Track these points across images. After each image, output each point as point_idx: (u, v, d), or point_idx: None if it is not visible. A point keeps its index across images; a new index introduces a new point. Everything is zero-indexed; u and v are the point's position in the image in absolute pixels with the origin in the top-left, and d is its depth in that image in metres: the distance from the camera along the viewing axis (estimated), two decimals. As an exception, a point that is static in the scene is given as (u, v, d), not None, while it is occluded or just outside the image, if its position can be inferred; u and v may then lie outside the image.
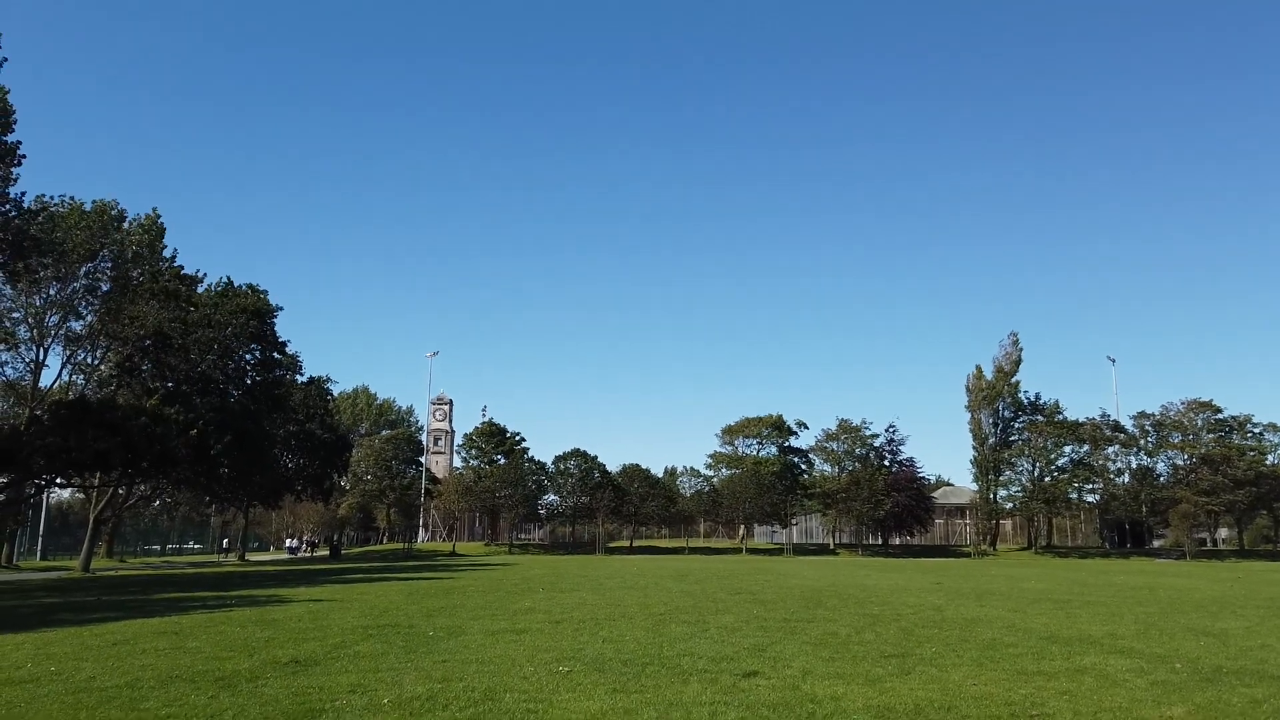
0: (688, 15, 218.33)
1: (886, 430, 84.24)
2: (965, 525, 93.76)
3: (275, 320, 54.69)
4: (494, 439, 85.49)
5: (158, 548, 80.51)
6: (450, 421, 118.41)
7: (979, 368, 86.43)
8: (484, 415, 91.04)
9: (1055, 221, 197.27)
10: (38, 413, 40.82)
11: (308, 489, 64.84)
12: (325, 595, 22.43)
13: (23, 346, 47.01)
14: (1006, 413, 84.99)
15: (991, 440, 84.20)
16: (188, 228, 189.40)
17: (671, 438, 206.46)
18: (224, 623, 15.46)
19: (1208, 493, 75.43)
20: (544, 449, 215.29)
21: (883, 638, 13.45)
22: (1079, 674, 10.22)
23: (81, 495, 61.47)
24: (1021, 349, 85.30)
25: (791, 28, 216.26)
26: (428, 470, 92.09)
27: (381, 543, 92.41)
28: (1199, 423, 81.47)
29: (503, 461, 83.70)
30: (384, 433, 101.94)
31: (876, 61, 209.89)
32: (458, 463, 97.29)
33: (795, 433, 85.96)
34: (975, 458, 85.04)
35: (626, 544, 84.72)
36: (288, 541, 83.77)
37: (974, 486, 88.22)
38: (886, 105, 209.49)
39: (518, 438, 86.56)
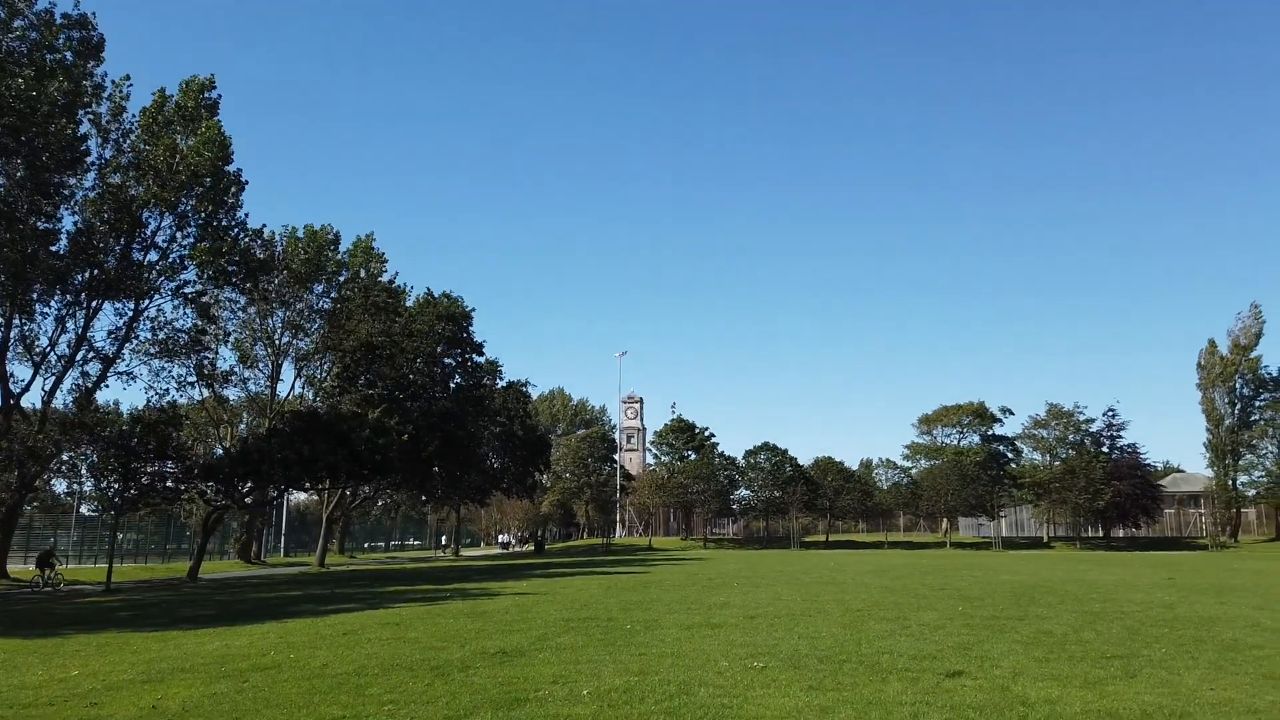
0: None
1: (1104, 414, 78.27)
2: (1200, 515, 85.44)
3: (471, 324, 57.78)
4: (684, 435, 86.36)
5: (382, 544, 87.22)
6: (641, 419, 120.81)
7: (1212, 342, 78.61)
8: (674, 412, 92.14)
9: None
10: (277, 425, 45.29)
11: (513, 487, 68.09)
12: (530, 589, 23.47)
13: (261, 363, 52.50)
14: (1245, 390, 76.79)
15: (1228, 421, 76.33)
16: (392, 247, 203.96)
17: (865, 429, 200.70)
18: (440, 614, 16.51)
19: None
20: (734, 443, 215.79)
21: (1104, 637, 12.50)
22: (1341, 682, 9.08)
23: (315, 498, 67.59)
24: (1264, 320, 76.81)
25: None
26: (621, 467, 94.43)
27: (581, 538, 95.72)
28: None
29: (693, 457, 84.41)
30: (579, 432, 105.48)
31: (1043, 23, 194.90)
32: (650, 459, 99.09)
33: (1000, 420, 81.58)
34: (1209, 441, 77.45)
35: (822, 538, 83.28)
36: (500, 537, 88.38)
37: (1209, 472, 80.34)
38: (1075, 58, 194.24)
39: (707, 433, 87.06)
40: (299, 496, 78.05)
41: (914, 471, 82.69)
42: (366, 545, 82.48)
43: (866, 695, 8.42)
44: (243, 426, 58.93)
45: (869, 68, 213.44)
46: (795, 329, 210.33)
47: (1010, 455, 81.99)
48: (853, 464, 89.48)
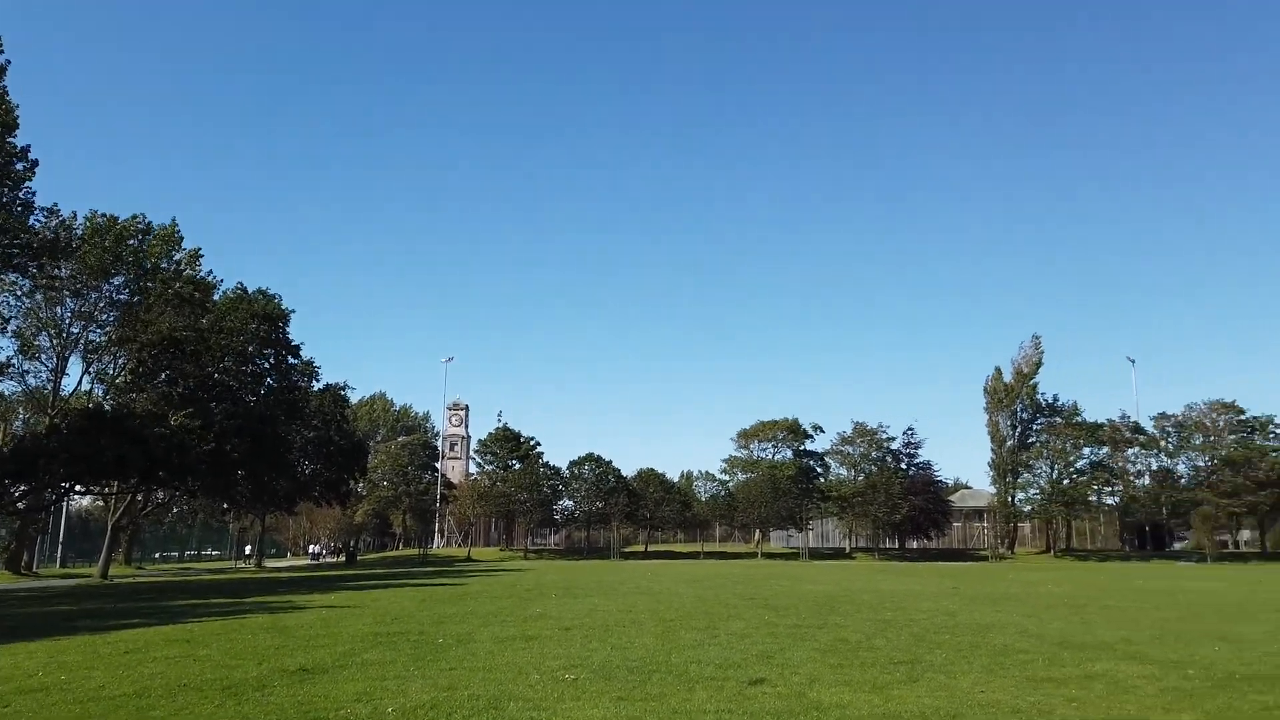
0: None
1: (904, 433, 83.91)
2: (983, 529, 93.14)
3: (288, 324, 55.03)
4: (509, 444, 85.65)
5: (176, 554, 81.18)
6: (466, 427, 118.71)
7: (998, 369, 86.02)
8: (500, 420, 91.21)
9: (1076, 221, 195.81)
10: (57, 421, 41.28)
11: (325, 494, 65.22)
12: (338, 602, 22.53)
13: (44, 355, 47.67)
14: (1025, 414, 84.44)
15: (1010, 442, 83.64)
16: (205, 241, 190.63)
17: (687, 442, 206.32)
18: (236, 630, 15.55)
19: (1229, 494, 74.58)
20: (559, 454, 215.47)
21: (893, 644, 13.37)
22: (1089, 680, 10.12)
23: (101, 503, 62.08)
24: (1042, 351, 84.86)
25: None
26: (443, 476, 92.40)
27: (398, 548, 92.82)
28: (1221, 424, 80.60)
29: (518, 466, 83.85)
30: (400, 438, 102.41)
31: (890, 58, 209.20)
32: (473, 468, 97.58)
33: (811, 436, 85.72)
34: (993, 460, 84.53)
35: (642, 549, 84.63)
36: (311, 547, 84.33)
37: (992, 489, 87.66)
38: (901, 106, 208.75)
39: (533, 442, 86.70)
40: (82, 502, 71.49)
41: (731, 484, 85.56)
42: (158, 555, 76.51)
43: (673, 704, 8.63)
44: (19, 424, 53.38)
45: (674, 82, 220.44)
46: (623, 341, 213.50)
47: (820, 470, 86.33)
48: (674, 476, 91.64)
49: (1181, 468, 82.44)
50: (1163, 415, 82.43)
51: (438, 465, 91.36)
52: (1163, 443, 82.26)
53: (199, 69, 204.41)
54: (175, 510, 75.14)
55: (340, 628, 15.74)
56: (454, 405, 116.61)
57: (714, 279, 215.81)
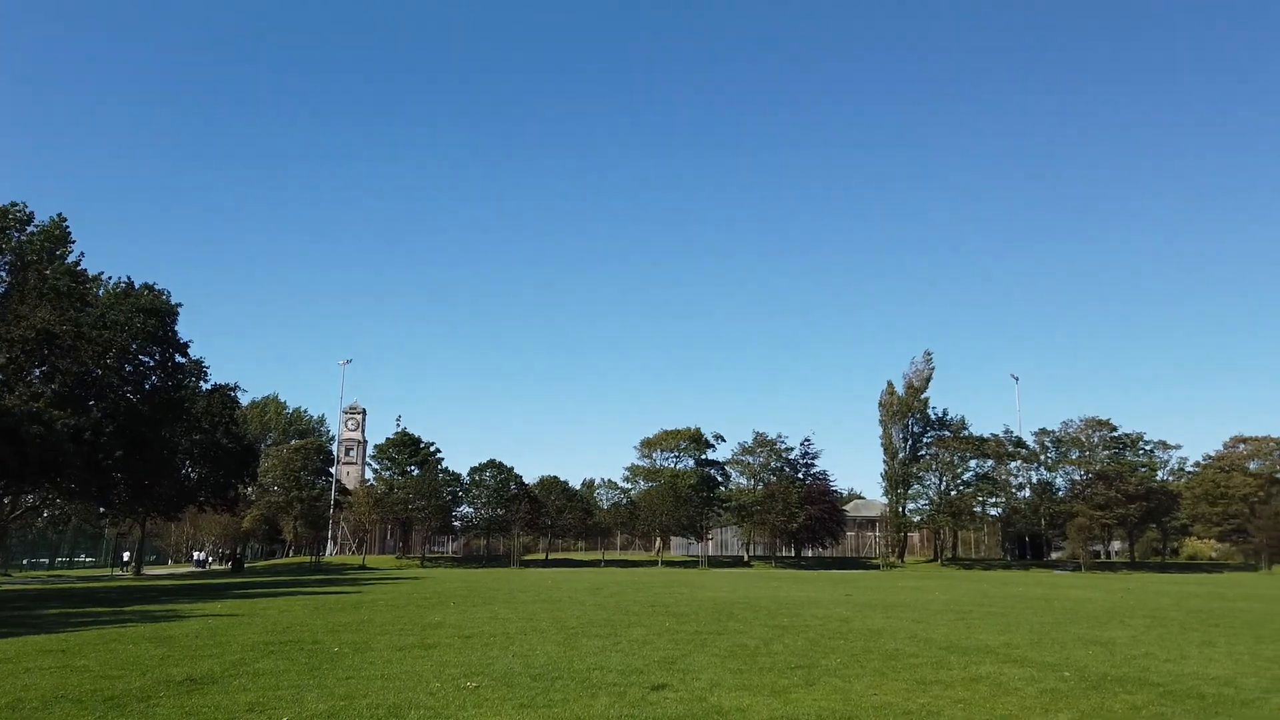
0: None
1: (801, 444, 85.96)
2: (875, 537, 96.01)
3: (176, 321, 52.61)
4: (408, 449, 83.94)
5: (46, 561, 76.55)
6: (363, 431, 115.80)
7: (891, 384, 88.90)
8: (398, 425, 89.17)
9: (969, 241, 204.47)
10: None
11: (210, 500, 62.58)
12: (226, 610, 21.67)
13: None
14: (916, 428, 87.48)
15: (902, 455, 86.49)
16: (97, 237, 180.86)
17: (590, 450, 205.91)
18: (115, 640, 14.79)
19: (1102, 507, 78.93)
20: (460, 460, 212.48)
21: (790, 649, 13.68)
22: (975, 682, 10.59)
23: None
24: (933, 367, 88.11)
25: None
26: (338, 481, 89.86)
27: (288, 556, 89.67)
28: (1095, 439, 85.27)
29: (417, 472, 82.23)
30: (293, 442, 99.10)
31: (793, 75, 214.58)
32: (370, 474, 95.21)
33: (713, 445, 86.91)
34: (886, 471, 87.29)
35: (542, 557, 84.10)
36: (195, 554, 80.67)
37: (884, 500, 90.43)
38: (804, 122, 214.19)
39: (432, 448, 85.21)
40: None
41: (633, 492, 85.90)
42: (26, 562, 72.03)
43: (576, 711, 8.65)
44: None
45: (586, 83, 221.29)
46: (528, 347, 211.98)
47: (721, 479, 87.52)
48: (576, 483, 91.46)
49: (1059, 481, 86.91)
50: (1043, 430, 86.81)
51: (332, 470, 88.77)
52: (1042, 456, 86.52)
53: (85, 48, 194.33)
54: (46, 514, 70.87)
55: (229, 637, 15.16)
56: (351, 409, 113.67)
57: (620, 288, 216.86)
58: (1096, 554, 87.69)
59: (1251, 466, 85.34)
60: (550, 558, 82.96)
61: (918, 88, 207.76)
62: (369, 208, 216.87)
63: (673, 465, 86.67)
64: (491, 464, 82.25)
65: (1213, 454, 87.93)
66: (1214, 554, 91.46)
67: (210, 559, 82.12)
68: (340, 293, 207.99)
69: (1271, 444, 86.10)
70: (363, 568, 67.51)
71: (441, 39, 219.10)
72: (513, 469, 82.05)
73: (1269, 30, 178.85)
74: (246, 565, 74.80)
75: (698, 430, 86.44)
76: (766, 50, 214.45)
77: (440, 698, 9.29)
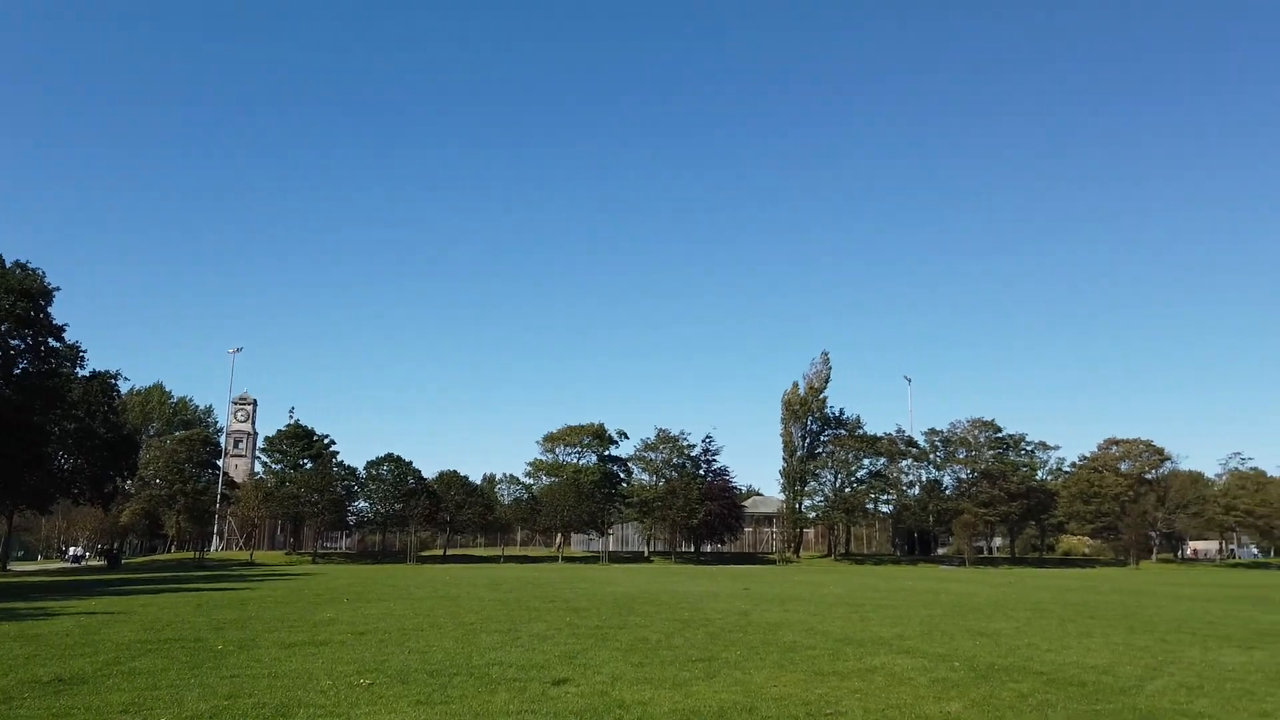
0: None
1: (703, 441, 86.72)
2: (772, 533, 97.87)
3: (51, 303, 49.57)
4: (300, 442, 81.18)
5: (-103, 557, 70.98)
6: (253, 423, 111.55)
7: (795, 384, 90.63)
8: (291, 417, 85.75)
9: (867, 246, 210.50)
10: None
11: (86, 493, 59.21)
12: (99, 608, 20.50)
13: None
14: (814, 426, 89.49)
15: (800, 452, 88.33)
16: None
17: (491, 444, 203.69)
18: (-27, 640, 13.77)
19: (986, 504, 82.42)
20: (356, 454, 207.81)
21: (691, 642, 13.73)
22: (870, 673, 10.81)
23: None
24: (831, 367, 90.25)
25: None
26: (226, 474, 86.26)
27: (170, 552, 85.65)
28: (981, 440, 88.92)
29: (309, 466, 79.65)
30: (178, 433, 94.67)
31: (685, 82, 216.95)
32: (259, 468, 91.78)
33: (616, 442, 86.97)
34: (784, 469, 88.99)
35: (440, 553, 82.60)
36: (70, 550, 76.19)
37: (782, 496, 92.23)
38: (712, 122, 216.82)
39: (326, 440, 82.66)
40: None
41: (535, 488, 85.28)
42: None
43: (475, 707, 8.44)
44: None
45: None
46: (427, 339, 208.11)
47: (623, 476, 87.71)
48: (476, 478, 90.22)
49: (947, 479, 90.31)
50: (933, 430, 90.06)
51: (219, 463, 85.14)
52: (932, 455, 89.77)
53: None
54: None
55: (103, 635, 14.30)
56: (240, 399, 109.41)
57: (523, 281, 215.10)
58: (980, 550, 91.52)
59: (1123, 467, 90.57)
60: (449, 554, 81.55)
61: (814, 92, 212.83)
62: (262, 191, 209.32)
63: (576, 461, 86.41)
64: (389, 458, 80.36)
65: (1088, 455, 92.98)
66: (1087, 550, 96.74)
67: (86, 555, 77.77)
68: (230, 279, 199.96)
69: (1141, 446, 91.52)
70: (250, 564, 65.04)
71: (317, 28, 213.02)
72: (411, 463, 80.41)
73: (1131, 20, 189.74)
74: (124, 561, 71.11)
75: (601, 426, 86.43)
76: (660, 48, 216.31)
77: (331, 696, 8.93)
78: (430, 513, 78.80)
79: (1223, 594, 31.12)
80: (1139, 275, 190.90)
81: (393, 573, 46.31)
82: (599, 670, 10.79)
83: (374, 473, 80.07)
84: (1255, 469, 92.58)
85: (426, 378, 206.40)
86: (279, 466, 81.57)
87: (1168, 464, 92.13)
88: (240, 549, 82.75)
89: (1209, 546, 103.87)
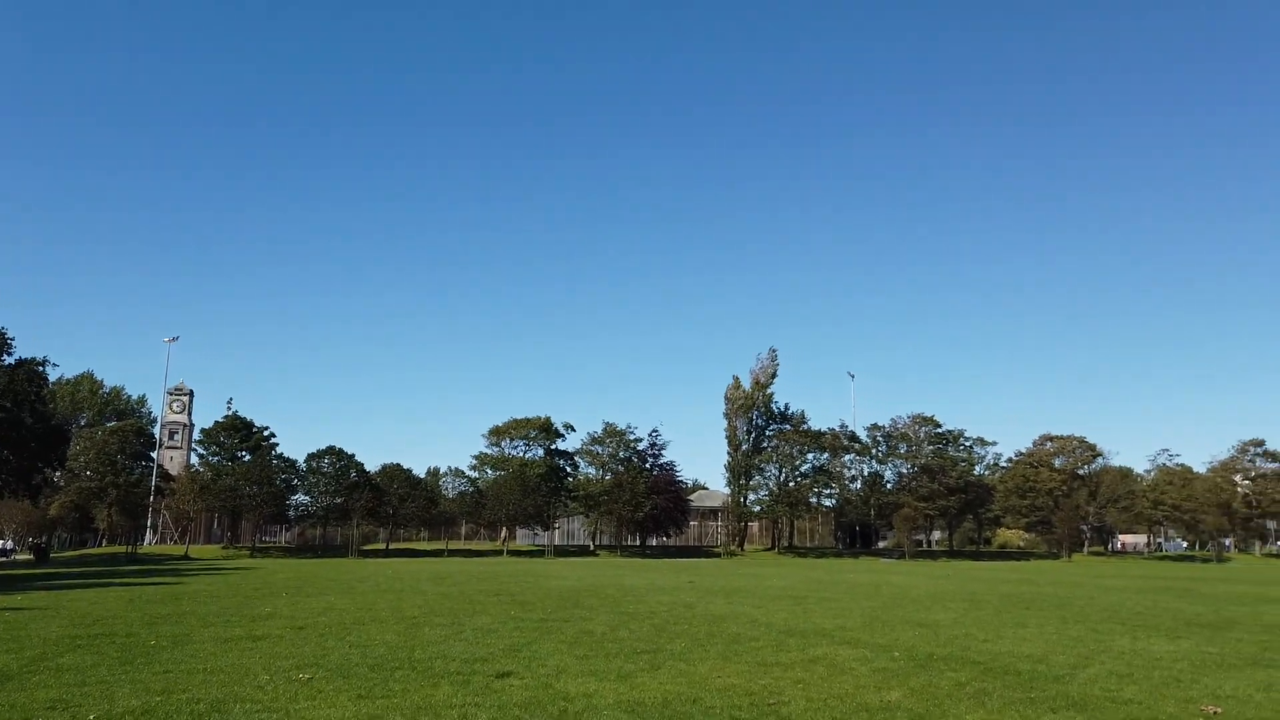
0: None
1: (650, 435, 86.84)
2: (717, 526, 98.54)
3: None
4: (239, 434, 79.45)
5: None
6: (189, 414, 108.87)
7: (737, 378, 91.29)
8: (229, 408, 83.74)
9: (814, 243, 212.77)
10: None
11: (12, 485, 57.14)
12: (26, 603, 19.81)
13: None
14: (760, 421, 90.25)
15: (745, 447, 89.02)
16: None
17: (436, 438, 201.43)
18: (-112, 637, 13.20)
19: (926, 498, 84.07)
20: (297, 446, 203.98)
21: (636, 635, 13.74)
22: (812, 664, 10.93)
23: None
24: (778, 363, 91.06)
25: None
26: (160, 466, 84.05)
27: (101, 545, 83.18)
28: (921, 435, 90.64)
29: (248, 458, 77.97)
30: (110, 424, 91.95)
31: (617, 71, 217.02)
32: (195, 460, 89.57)
33: (563, 435, 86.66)
34: (729, 463, 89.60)
35: (383, 546, 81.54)
36: (-1, 543, 73.62)
37: (727, 490, 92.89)
38: (668, 118, 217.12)
39: (266, 432, 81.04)
40: None
41: (480, 481, 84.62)
42: None
43: (417, 700, 8.33)
44: None
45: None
46: (371, 331, 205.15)
47: (569, 469, 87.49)
48: (420, 471, 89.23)
49: (888, 473, 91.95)
50: (875, 426, 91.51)
51: (153, 455, 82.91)
52: (874, 450, 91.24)
53: None
54: None
55: (29, 630, 13.82)
56: (176, 390, 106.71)
57: (470, 273, 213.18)
58: (919, 543, 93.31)
59: (1057, 463, 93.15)
60: (391, 547, 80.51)
61: (764, 83, 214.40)
62: (201, 174, 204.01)
63: (522, 454, 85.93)
64: (330, 450, 79.02)
65: (1024, 450, 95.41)
66: (1022, 543, 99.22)
67: (14, 549, 75.17)
68: (167, 265, 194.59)
69: (1075, 442, 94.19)
70: (185, 558, 63.47)
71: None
72: (353, 456, 79.15)
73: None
74: (53, 555, 68.86)
75: (548, 420, 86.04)
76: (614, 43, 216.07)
77: (270, 691, 8.74)
78: (373, 506, 77.70)
79: (1151, 585, 32.18)
80: (1078, 278, 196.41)
81: (334, 567, 45.59)
82: (543, 663, 10.74)
83: (315, 465, 78.71)
84: (1182, 465, 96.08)
85: (370, 370, 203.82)
86: (216, 459, 79.75)
87: (1100, 460, 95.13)
88: (175, 543, 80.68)
89: (1138, 539, 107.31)
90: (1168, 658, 11.90)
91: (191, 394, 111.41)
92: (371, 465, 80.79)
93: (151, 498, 77.56)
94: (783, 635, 13.94)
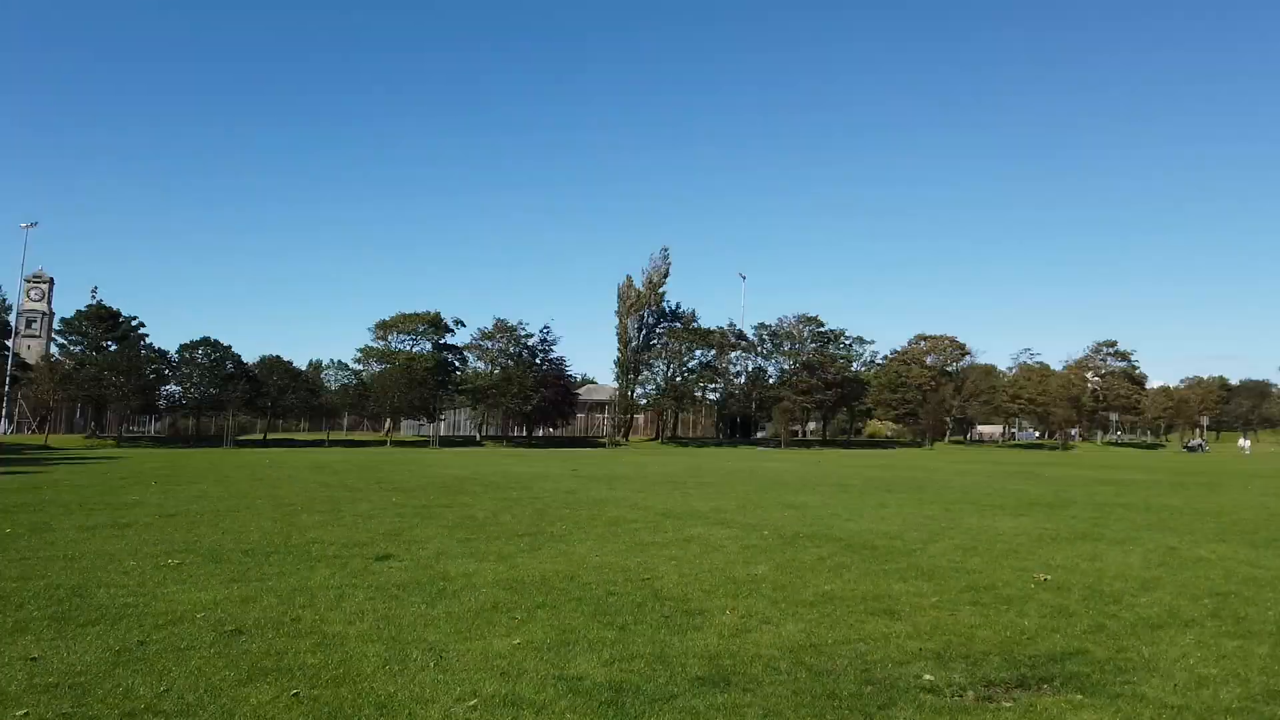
0: None
1: (541, 331, 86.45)
2: (604, 419, 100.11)
3: None
4: (104, 323, 74.98)
5: None
6: (49, 302, 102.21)
7: (630, 278, 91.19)
8: (94, 297, 78.75)
9: (706, 143, 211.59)
10: None
11: None
12: None
13: None
14: (650, 319, 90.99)
15: (635, 344, 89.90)
16: None
17: (320, 332, 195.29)
18: None
19: (805, 392, 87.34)
20: (168, 337, 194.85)
21: (518, 519, 14.00)
22: (687, 542, 11.41)
23: None
24: (670, 263, 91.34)
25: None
26: (17, 356, 78.85)
27: (-50, 437, 78.29)
28: (805, 334, 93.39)
29: (114, 348, 73.95)
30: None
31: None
32: (55, 349, 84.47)
33: (452, 330, 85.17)
34: (619, 359, 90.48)
35: (260, 436, 79.53)
36: None
37: (615, 385, 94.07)
38: (567, 14, 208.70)
39: (134, 322, 76.83)
40: None
41: (365, 375, 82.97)
42: None
43: (292, 583, 8.31)
44: None
45: None
46: (250, 217, 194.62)
47: (458, 364, 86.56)
48: (302, 364, 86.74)
49: (771, 369, 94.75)
50: (761, 325, 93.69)
51: (9, 344, 77.62)
52: (759, 348, 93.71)
53: None
54: None
55: None
56: (35, 277, 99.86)
57: (356, 154, 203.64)
58: (796, 433, 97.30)
59: (929, 360, 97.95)
60: (269, 438, 78.60)
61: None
62: (59, 55, 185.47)
63: (409, 348, 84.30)
64: (205, 341, 75.70)
65: (899, 349, 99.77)
66: (889, 433, 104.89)
67: None
68: (23, 145, 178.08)
69: (946, 342, 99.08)
70: (45, 448, 60.46)
71: None
72: (230, 347, 76.09)
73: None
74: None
75: (437, 315, 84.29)
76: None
77: (136, 576, 8.56)
78: (250, 397, 75.41)
79: (1001, 470, 34.63)
80: (956, 182, 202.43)
81: (207, 456, 44.29)
82: (424, 546, 10.85)
83: (188, 356, 75.44)
84: (1041, 363, 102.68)
85: (249, 260, 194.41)
86: (79, 348, 75.37)
87: (968, 358, 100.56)
88: (33, 433, 76.68)
89: (994, 430, 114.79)
90: (1009, 533, 12.93)
91: (52, 282, 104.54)
92: (249, 357, 78.07)
93: (7, 387, 73.03)
94: (660, 517, 14.45)
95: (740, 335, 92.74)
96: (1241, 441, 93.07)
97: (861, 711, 4.88)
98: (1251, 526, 14.23)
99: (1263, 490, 23.70)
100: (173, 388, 77.08)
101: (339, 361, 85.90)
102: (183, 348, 75.75)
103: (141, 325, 76.80)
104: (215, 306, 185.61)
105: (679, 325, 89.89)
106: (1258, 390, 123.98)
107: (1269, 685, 5.45)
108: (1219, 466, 44.40)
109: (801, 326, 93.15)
